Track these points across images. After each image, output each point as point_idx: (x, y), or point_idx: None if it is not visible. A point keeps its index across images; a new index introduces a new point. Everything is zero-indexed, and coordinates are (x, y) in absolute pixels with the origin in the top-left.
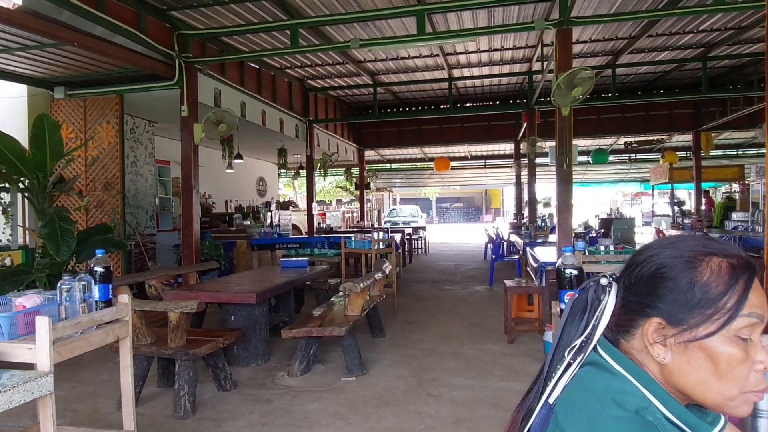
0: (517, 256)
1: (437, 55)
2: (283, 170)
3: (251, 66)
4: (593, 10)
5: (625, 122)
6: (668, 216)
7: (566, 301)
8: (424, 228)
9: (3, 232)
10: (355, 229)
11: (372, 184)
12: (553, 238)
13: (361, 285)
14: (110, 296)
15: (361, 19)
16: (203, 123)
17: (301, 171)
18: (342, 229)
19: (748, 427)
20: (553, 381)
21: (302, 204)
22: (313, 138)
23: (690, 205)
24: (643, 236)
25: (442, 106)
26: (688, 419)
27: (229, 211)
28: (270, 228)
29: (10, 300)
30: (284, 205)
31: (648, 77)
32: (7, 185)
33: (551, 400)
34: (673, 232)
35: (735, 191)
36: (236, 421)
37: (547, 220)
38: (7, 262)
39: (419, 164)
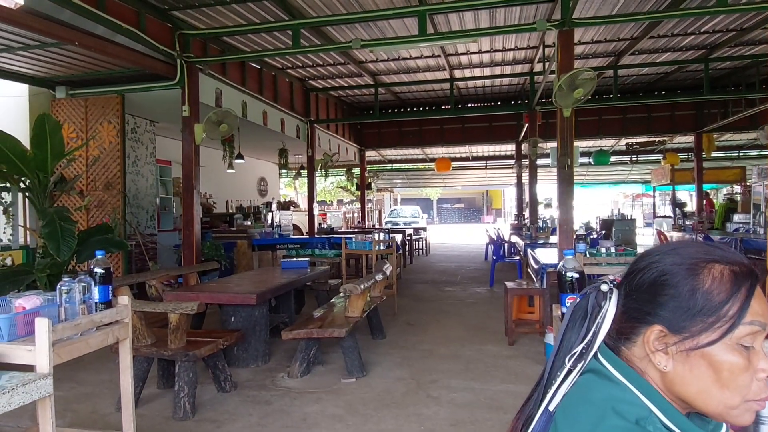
0: (518, 258)
1: (439, 56)
2: (284, 170)
3: (252, 66)
4: (595, 11)
5: (627, 123)
6: (669, 217)
7: (567, 304)
8: (425, 228)
9: (4, 232)
10: (356, 230)
11: (373, 185)
12: (554, 239)
13: (362, 286)
14: (110, 297)
15: (363, 19)
16: (204, 123)
17: (302, 171)
18: (343, 230)
19: None
20: (553, 388)
21: (303, 204)
22: (314, 138)
23: (691, 207)
24: (645, 237)
25: (443, 107)
26: (688, 429)
27: (230, 211)
28: (271, 228)
29: (9, 301)
30: (285, 206)
31: (650, 78)
32: (8, 185)
33: (551, 408)
34: (674, 234)
35: (737, 193)
36: (235, 423)
37: (548, 221)
38: (8, 261)
39: (420, 165)
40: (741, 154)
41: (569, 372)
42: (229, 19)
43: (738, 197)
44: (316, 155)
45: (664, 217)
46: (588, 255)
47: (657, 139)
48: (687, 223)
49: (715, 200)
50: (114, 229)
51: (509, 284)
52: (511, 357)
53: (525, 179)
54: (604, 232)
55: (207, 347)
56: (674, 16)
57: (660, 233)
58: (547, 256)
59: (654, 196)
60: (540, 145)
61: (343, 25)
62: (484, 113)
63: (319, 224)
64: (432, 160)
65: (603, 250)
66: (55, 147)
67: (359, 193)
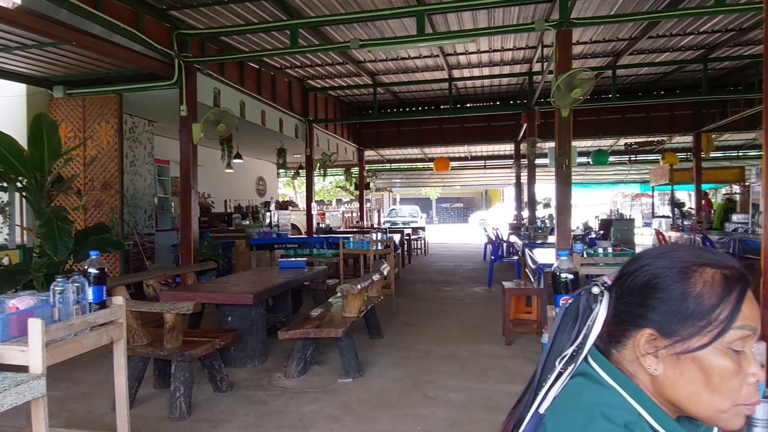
0: (516, 257)
1: (437, 56)
2: (282, 170)
3: (251, 66)
4: (593, 11)
5: (625, 123)
6: (668, 217)
7: (561, 305)
8: (423, 228)
9: (0, 232)
10: (354, 230)
11: (372, 184)
12: (552, 239)
13: (358, 287)
14: (104, 298)
15: (361, 19)
16: (202, 123)
17: (300, 171)
18: (341, 229)
19: None
20: (544, 391)
21: (302, 204)
22: (313, 138)
23: (690, 206)
24: (643, 237)
25: (442, 107)
26: None
27: (228, 210)
28: (269, 228)
29: (3, 301)
30: (283, 205)
31: (648, 78)
32: (4, 184)
33: (541, 411)
34: (673, 234)
35: (735, 193)
36: (231, 423)
37: (546, 221)
38: (5, 261)
39: (419, 164)
40: (740, 154)
41: (560, 374)
42: (227, 18)
43: (737, 197)
44: (314, 155)
45: (663, 217)
46: (585, 255)
47: (656, 139)
48: (686, 223)
49: (713, 200)
50: (111, 228)
51: (507, 284)
52: (509, 357)
53: (524, 179)
54: (602, 232)
55: (203, 347)
56: (673, 16)
57: (659, 233)
58: (544, 256)
59: (653, 196)
60: (538, 144)
61: (341, 25)
62: (483, 113)
63: (318, 224)
64: (431, 159)
65: (600, 251)
66: (52, 146)
67: (358, 192)
